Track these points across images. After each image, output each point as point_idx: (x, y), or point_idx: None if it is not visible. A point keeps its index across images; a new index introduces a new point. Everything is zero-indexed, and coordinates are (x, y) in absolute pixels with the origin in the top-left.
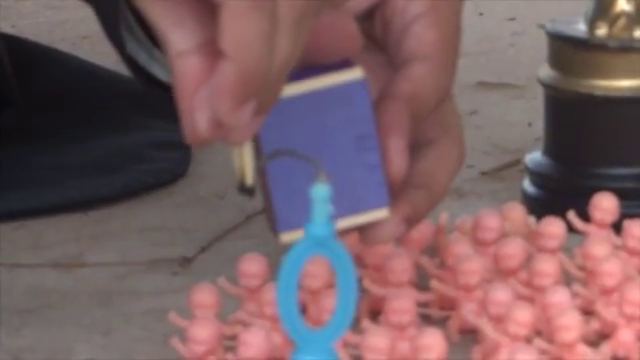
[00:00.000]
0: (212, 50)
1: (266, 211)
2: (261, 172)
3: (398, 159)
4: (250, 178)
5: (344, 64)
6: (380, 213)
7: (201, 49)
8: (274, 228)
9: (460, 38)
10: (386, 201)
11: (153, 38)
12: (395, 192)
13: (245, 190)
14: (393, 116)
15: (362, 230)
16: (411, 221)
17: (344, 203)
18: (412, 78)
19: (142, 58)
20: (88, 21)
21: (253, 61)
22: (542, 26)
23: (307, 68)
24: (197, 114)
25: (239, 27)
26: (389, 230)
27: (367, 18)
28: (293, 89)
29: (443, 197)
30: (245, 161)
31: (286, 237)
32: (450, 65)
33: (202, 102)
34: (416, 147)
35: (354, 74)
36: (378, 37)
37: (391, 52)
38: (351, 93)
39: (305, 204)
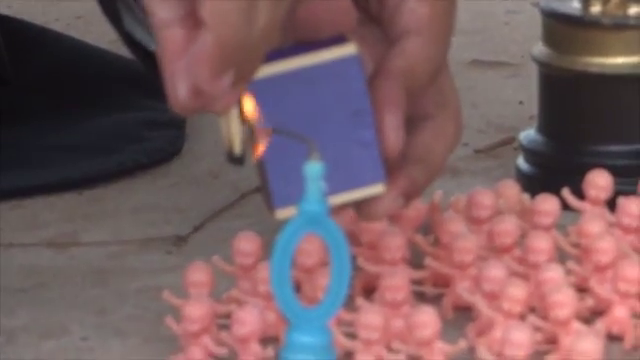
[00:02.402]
0: (195, 20)
1: (261, 188)
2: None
3: (393, 135)
4: (238, 147)
5: (338, 39)
6: (376, 188)
7: (184, 19)
8: (269, 204)
9: (455, 13)
10: (382, 176)
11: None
12: (391, 167)
13: (234, 159)
14: (388, 92)
15: (359, 206)
16: (408, 196)
17: (340, 179)
18: (406, 53)
19: (139, 33)
20: (82, 1)
21: (231, 31)
22: (536, 4)
23: (301, 44)
24: (177, 82)
25: None
26: (386, 205)
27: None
28: (287, 65)
29: (440, 172)
30: (232, 130)
31: (281, 213)
32: (444, 39)
33: (183, 70)
34: (413, 122)
35: (348, 50)
36: (373, 12)
37: (385, 27)
38: (345, 69)
39: (300, 180)
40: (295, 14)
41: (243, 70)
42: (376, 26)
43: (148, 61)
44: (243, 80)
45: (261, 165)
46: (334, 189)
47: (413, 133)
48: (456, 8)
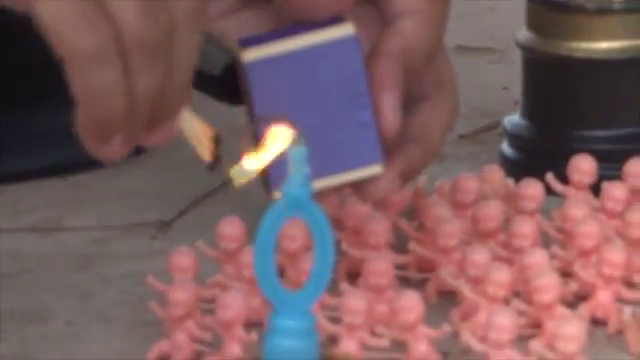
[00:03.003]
0: None
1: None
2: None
3: (391, 115)
4: (207, 156)
5: (335, 20)
6: (374, 169)
7: None
8: (266, 186)
9: None
10: (380, 157)
11: None
12: (389, 147)
13: (209, 167)
14: (385, 72)
15: (357, 186)
16: (406, 176)
17: (338, 160)
18: (402, 33)
19: None
20: None
21: (102, 109)
22: None
23: (298, 24)
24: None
25: (84, 79)
26: (384, 185)
27: None
28: (284, 46)
29: (438, 152)
30: (197, 145)
31: (278, 195)
32: (440, 19)
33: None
34: (410, 102)
35: (345, 30)
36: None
37: (382, 7)
38: (342, 50)
39: (311, 140)
40: None
41: (136, 128)
42: (372, 6)
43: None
44: (153, 130)
45: (257, 128)
46: (332, 170)
47: (410, 113)
48: None
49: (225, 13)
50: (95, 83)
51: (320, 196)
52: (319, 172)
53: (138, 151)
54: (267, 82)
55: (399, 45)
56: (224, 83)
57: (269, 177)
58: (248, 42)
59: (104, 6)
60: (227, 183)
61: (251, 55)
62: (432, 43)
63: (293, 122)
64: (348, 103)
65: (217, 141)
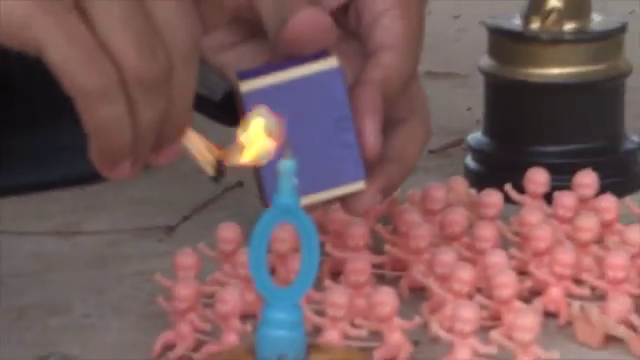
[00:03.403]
0: None
1: (257, 186)
2: None
3: (372, 138)
4: (210, 170)
5: (322, 54)
6: (357, 186)
7: None
8: (263, 199)
9: (423, 29)
10: (362, 175)
11: None
12: (370, 166)
13: (213, 179)
14: (366, 100)
15: (343, 201)
16: (386, 191)
17: (325, 178)
18: (381, 65)
19: None
20: None
21: (110, 140)
22: (483, 22)
23: (289, 58)
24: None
25: (92, 114)
26: (366, 200)
27: (343, 12)
28: (277, 78)
29: (413, 169)
30: (199, 160)
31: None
32: (414, 53)
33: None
34: (388, 125)
35: (330, 63)
36: (352, 28)
37: (363, 42)
38: (328, 80)
39: (302, 160)
40: (283, 34)
41: (142, 151)
42: (354, 41)
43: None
44: (158, 152)
45: (256, 168)
46: (320, 187)
47: (388, 136)
48: (424, 26)
49: (225, 47)
50: (102, 117)
51: (309, 210)
52: (308, 189)
53: (146, 165)
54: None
55: (379, 76)
56: (223, 107)
57: (265, 193)
58: (245, 74)
59: (107, 47)
60: (226, 191)
61: (248, 86)
62: (407, 74)
63: (285, 144)
64: (334, 127)
65: (220, 157)
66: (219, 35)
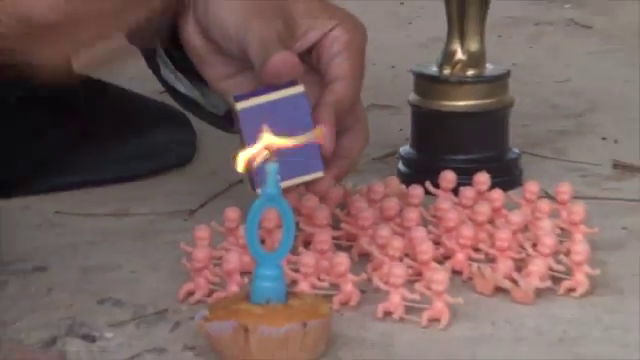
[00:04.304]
0: None
1: (249, 179)
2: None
3: (328, 142)
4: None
5: (292, 83)
6: (318, 174)
7: None
8: (252, 185)
9: (364, 68)
10: (321, 167)
11: (176, 65)
12: (327, 161)
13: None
14: (325, 115)
15: (308, 185)
16: (337, 179)
17: (296, 169)
18: (335, 92)
19: (170, 79)
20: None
21: None
22: (411, 70)
23: (268, 86)
24: None
25: None
26: (325, 184)
27: (307, 53)
28: (261, 99)
29: (357, 164)
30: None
31: (259, 192)
32: (359, 83)
33: None
34: (340, 132)
35: (298, 89)
36: (314, 65)
37: (322, 75)
38: (297, 101)
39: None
40: (265, 69)
41: None
42: (315, 74)
43: (177, 97)
44: None
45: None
46: (292, 175)
47: (340, 139)
48: (365, 66)
49: (225, 77)
50: None
51: (286, 191)
52: (284, 177)
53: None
54: (251, 121)
55: (334, 99)
56: (226, 120)
57: (254, 180)
58: (239, 97)
59: None
60: (231, 186)
61: (241, 105)
62: (353, 97)
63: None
64: (301, 134)
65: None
66: (221, 69)
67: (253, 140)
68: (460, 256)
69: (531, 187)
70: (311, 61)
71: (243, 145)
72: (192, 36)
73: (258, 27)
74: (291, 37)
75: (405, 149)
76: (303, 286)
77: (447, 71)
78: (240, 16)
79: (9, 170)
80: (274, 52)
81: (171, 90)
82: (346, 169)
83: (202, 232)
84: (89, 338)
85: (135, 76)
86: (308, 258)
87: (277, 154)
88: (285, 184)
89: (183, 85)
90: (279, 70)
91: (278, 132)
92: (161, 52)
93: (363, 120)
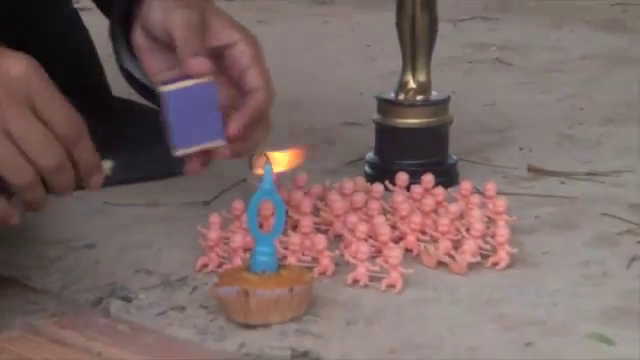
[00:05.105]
0: None
1: (167, 136)
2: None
3: (235, 126)
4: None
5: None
6: (219, 143)
7: None
8: (172, 147)
9: (271, 78)
10: (223, 137)
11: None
12: (232, 141)
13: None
14: (246, 112)
15: (210, 152)
16: (234, 155)
17: (206, 137)
18: (257, 98)
19: (130, 67)
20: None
21: (35, 198)
22: (375, 95)
23: (186, 75)
24: None
25: (25, 196)
26: (222, 154)
27: (218, 56)
28: (179, 85)
29: (255, 149)
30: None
31: (180, 152)
32: (272, 92)
33: None
34: (251, 124)
35: (209, 79)
36: (224, 69)
37: (236, 82)
38: (208, 88)
39: (193, 129)
40: (184, 67)
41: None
42: (222, 75)
43: (134, 84)
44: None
45: (167, 122)
46: (198, 142)
47: (250, 129)
48: (271, 76)
49: (165, 70)
50: (32, 197)
51: (192, 156)
52: (191, 142)
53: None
54: (172, 102)
55: (255, 104)
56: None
57: (173, 140)
58: (164, 82)
59: (26, 154)
60: (236, 183)
61: (164, 89)
62: (270, 103)
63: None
64: (210, 112)
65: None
66: (160, 63)
67: (175, 118)
68: (411, 238)
69: (465, 185)
70: (222, 64)
71: (166, 123)
72: (137, 37)
73: (181, 12)
74: (206, 31)
75: (370, 156)
76: (291, 260)
77: (402, 96)
78: (168, 8)
79: None
80: (192, 53)
81: (129, 77)
82: (245, 150)
83: (214, 218)
84: (126, 299)
85: None
86: (295, 238)
87: (181, 120)
88: (191, 149)
89: (139, 72)
90: (194, 70)
91: (192, 110)
92: (124, 46)
93: (268, 118)
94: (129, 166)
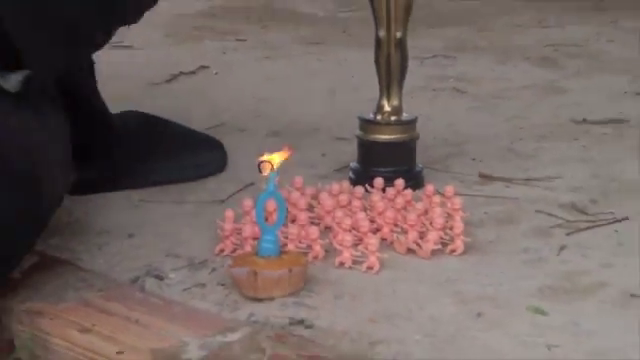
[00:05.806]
0: None
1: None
2: None
3: None
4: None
5: None
6: None
7: None
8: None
9: None
10: None
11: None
12: None
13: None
14: None
15: None
16: None
17: None
18: None
19: None
20: None
21: None
22: (358, 116)
23: None
24: None
25: None
26: None
27: None
28: None
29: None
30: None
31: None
32: None
33: None
34: None
35: None
36: None
37: None
38: None
39: None
40: None
41: None
42: None
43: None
44: None
45: None
46: None
47: None
48: None
49: None
50: None
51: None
52: None
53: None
54: None
55: None
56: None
57: None
58: None
59: None
60: (246, 186)
61: None
62: None
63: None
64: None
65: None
66: None
67: None
68: (386, 229)
69: (429, 188)
70: None
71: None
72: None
73: None
74: None
75: (353, 164)
76: (290, 246)
77: (379, 117)
78: None
79: (92, 171)
80: None
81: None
82: None
83: (229, 213)
84: (159, 277)
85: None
86: (293, 229)
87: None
88: None
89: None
90: None
91: None
92: None
93: None
94: (160, 171)
